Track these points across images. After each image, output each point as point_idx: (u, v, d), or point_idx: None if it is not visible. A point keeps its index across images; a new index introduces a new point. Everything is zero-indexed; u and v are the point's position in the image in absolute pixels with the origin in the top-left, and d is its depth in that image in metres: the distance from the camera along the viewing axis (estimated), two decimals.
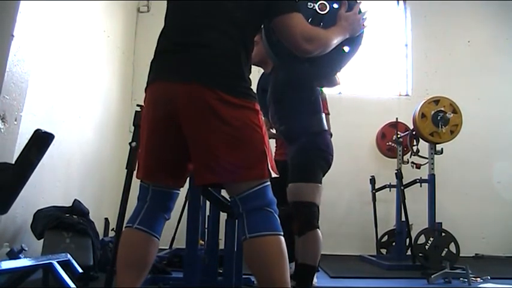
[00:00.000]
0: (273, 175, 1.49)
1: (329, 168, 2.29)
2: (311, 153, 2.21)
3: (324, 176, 2.26)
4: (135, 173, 2.02)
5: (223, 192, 2.39)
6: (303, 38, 1.55)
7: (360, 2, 1.88)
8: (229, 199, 1.54)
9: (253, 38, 1.61)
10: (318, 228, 2.17)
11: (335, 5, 1.82)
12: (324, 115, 2.35)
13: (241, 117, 1.45)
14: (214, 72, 1.45)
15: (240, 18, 1.51)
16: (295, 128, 2.28)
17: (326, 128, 2.33)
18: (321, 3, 1.81)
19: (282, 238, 1.44)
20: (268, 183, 1.51)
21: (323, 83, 2.48)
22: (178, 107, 1.45)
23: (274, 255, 1.41)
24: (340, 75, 2.33)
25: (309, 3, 1.81)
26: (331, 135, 2.45)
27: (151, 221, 1.57)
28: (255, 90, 2.56)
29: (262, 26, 1.64)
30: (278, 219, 1.48)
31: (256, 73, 2.58)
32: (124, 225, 1.64)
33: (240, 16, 1.52)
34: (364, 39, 1.94)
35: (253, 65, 2.45)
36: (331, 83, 2.41)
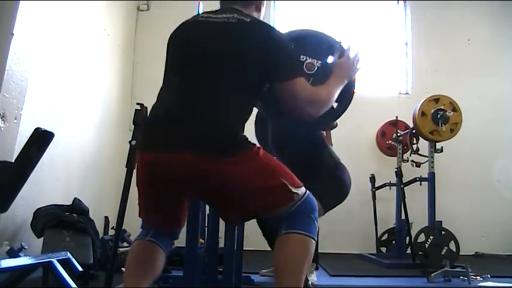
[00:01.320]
0: (299, 192, 1.50)
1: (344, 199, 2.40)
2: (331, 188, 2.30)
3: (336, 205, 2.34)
4: (133, 171, 2.03)
5: None
6: (307, 103, 1.56)
7: (351, 45, 1.87)
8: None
9: (255, 99, 1.61)
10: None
11: (329, 58, 1.83)
12: (332, 148, 2.44)
13: (246, 170, 1.45)
14: (211, 140, 1.43)
15: (240, 82, 1.51)
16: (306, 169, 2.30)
17: (339, 160, 2.41)
18: (308, 63, 1.81)
19: (314, 243, 1.49)
20: (307, 192, 1.53)
21: (320, 130, 2.53)
22: (179, 176, 1.45)
23: (301, 253, 1.46)
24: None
25: (301, 56, 1.82)
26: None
27: (159, 238, 1.60)
28: None
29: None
30: (317, 226, 1.52)
31: None
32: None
33: (240, 80, 1.51)
34: (352, 98, 1.94)
35: None
36: (329, 126, 2.45)
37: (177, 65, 1.61)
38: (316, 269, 3.25)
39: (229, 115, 1.48)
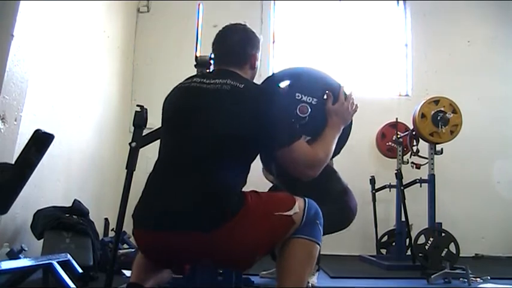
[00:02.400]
0: (298, 209, 1.50)
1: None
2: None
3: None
4: (133, 173, 2.02)
5: None
6: (306, 166, 1.56)
7: (343, 86, 1.87)
8: None
9: (249, 164, 1.59)
10: None
11: (325, 95, 1.82)
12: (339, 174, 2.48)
13: (246, 232, 1.42)
14: (202, 215, 1.39)
15: (237, 149, 1.50)
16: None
17: (346, 185, 2.46)
18: (301, 106, 1.78)
19: (318, 248, 1.51)
20: (306, 204, 1.53)
21: None
22: (173, 252, 1.45)
23: (305, 257, 1.48)
24: None
25: (297, 94, 1.81)
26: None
27: None
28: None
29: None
30: (321, 231, 1.54)
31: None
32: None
33: (235, 151, 1.49)
34: (352, 125, 1.94)
35: None
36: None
37: (168, 132, 1.62)
38: (318, 270, 3.25)
39: (227, 184, 1.45)
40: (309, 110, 1.77)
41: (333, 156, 2.03)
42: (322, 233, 1.54)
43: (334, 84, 1.87)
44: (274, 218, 1.46)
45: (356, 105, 1.86)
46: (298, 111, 1.77)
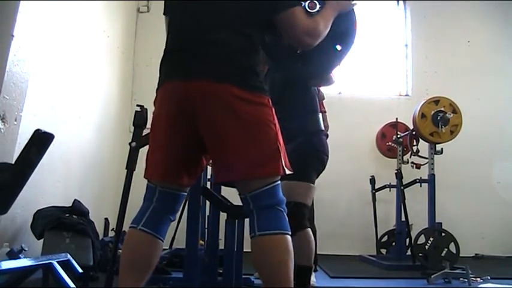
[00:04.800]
0: (287, 172, 1.51)
1: (323, 169, 2.30)
2: (307, 153, 2.21)
3: (318, 177, 2.25)
4: (133, 173, 2.02)
5: (223, 193, 2.40)
6: (305, 33, 1.57)
7: None
8: (239, 197, 1.54)
9: (261, 35, 1.63)
10: (308, 227, 2.17)
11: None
12: (320, 115, 2.35)
13: (255, 113, 1.47)
14: (226, 68, 1.47)
15: (246, 17, 1.53)
16: (291, 128, 2.28)
17: (322, 128, 2.33)
18: (310, 2, 1.78)
19: (290, 238, 1.47)
20: (279, 182, 1.52)
21: (318, 82, 2.48)
22: (194, 105, 1.46)
23: (281, 254, 1.43)
24: (335, 73, 2.33)
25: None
26: (327, 135, 2.45)
27: (156, 223, 1.57)
28: None
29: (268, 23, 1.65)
30: (287, 218, 1.50)
31: None
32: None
33: (245, 14, 1.54)
34: (356, 38, 1.92)
35: None
36: (327, 81, 2.42)
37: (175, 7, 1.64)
38: (315, 270, 3.24)
39: (246, 47, 1.51)
40: (318, 6, 1.77)
41: (330, 69, 2.01)
42: (287, 221, 1.50)
43: None
44: (276, 147, 1.48)
45: None
46: (307, 7, 1.75)
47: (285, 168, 1.49)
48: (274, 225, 1.46)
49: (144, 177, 1.61)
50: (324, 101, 3.08)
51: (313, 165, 2.23)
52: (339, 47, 1.87)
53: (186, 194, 1.67)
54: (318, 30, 1.61)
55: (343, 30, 1.82)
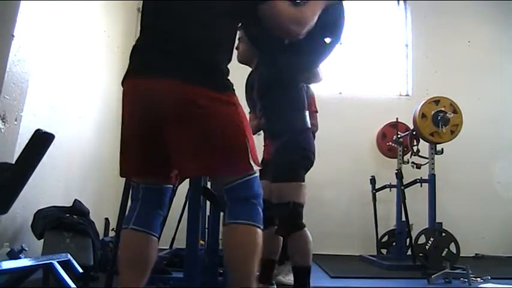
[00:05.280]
0: (255, 168, 1.50)
1: (312, 166, 2.28)
2: (293, 152, 2.20)
3: (306, 173, 2.25)
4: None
5: None
6: (291, 22, 1.56)
7: None
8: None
9: (236, 27, 1.62)
10: (305, 227, 2.17)
11: None
12: (307, 113, 2.34)
13: (219, 112, 1.46)
14: (191, 66, 1.45)
15: (221, 8, 1.51)
16: (277, 125, 2.27)
17: (309, 125, 2.31)
18: None
19: (260, 231, 1.47)
20: (256, 175, 1.52)
21: (307, 79, 2.47)
22: (157, 103, 1.44)
23: (247, 244, 1.44)
24: (323, 70, 2.32)
25: None
26: (314, 133, 2.43)
27: (146, 219, 1.57)
28: (243, 89, 2.56)
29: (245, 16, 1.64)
30: (261, 212, 1.50)
31: (246, 71, 2.57)
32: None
33: (221, 5, 1.52)
34: (344, 31, 1.92)
35: (241, 63, 2.45)
36: (315, 77, 2.41)
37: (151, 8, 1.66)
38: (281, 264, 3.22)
39: (214, 42, 1.49)
40: None
41: (319, 62, 1.99)
42: (261, 215, 1.50)
43: None
44: (244, 143, 1.47)
45: None
46: None
47: (254, 164, 1.49)
48: (245, 215, 1.46)
49: (120, 175, 1.63)
50: (324, 102, 3.07)
51: (301, 163, 2.22)
52: (327, 40, 1.86)
53: (171, 186, 1.66)
54: (305, 18, 1.59)
55: (331, 22, 1.81)
